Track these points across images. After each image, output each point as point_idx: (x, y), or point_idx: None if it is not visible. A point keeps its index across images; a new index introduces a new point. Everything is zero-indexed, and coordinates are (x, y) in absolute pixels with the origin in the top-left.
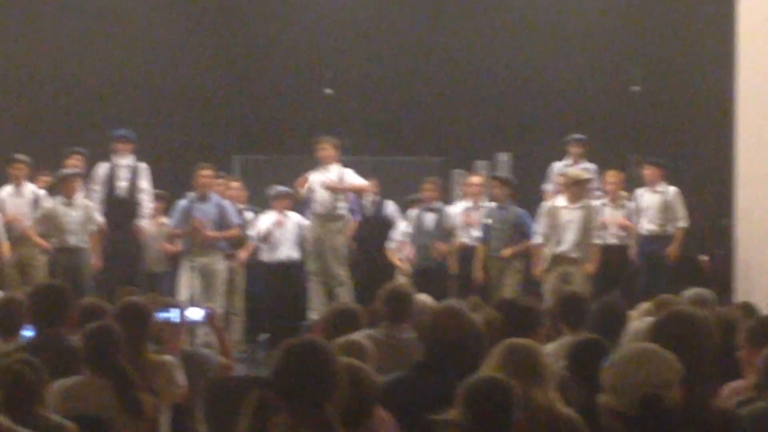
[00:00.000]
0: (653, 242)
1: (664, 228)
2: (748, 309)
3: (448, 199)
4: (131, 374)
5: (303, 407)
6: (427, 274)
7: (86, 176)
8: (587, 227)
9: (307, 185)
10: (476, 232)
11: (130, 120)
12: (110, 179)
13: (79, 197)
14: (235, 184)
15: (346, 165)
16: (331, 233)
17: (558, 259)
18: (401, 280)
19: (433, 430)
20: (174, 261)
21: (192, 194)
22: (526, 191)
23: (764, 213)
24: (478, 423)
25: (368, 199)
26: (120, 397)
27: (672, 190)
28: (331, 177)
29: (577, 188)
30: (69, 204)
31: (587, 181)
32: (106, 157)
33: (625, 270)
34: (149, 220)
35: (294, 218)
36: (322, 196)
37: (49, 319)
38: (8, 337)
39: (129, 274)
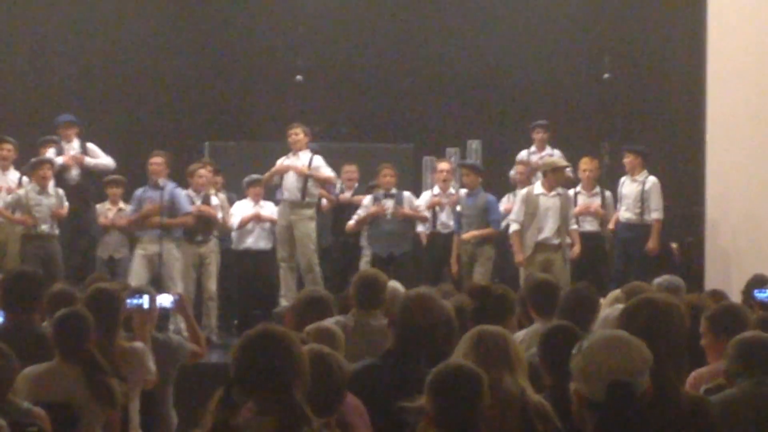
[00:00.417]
0: (630, 230)
1: (641, 217)
2: (718, 296)
3: (417, 186)
4: (101, 361)
5: (267, 396)
6: (390, 261)
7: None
8: (565, 214)
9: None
10: (445, 218)
11: (101, 107)
12: (59, 166)
13: (51, 185)
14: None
15: (316, 152)
16: (301, 220)
17: (540, 247)
18: (364, 265)
19: (403, 417)
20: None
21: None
22: (497, 178)
23: (735, 200)
24: (446, 410)
25: (336, 189)
26: (90, 384)
27: (651, 180)
28: (301, 163)
29: (553, 176)
30: (41, 192)
31: (564, 168)
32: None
33: (601, 257)
34: (110, 205)
35: (268, 208)
36: (292, 182)
37: (20, 306)
38: None
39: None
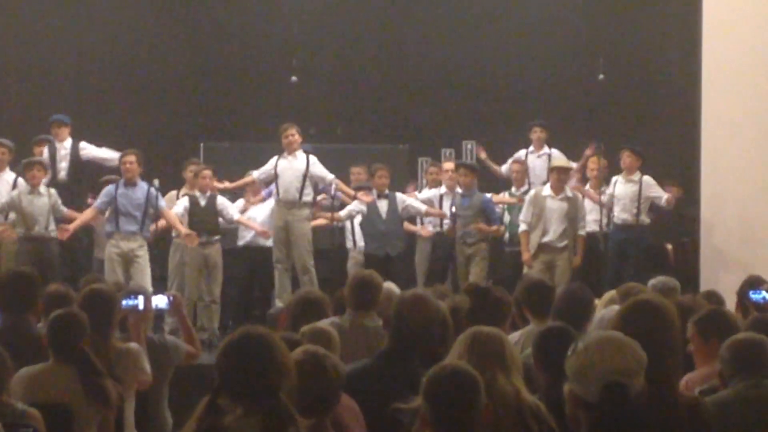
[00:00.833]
0: (625, 231)
1: (636, 218)
2: (713, 298)
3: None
4: (96, 362)
5: (251, 400)
6: (382, 261)
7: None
8: (572, 217)
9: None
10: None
11: (97, 107)
12: (51, 164)
13: (43, 185)
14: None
15: (310, 152)
16: (298, 220)
17: (543, 248)
18: (351, 266)
19: (398, 418)
20: None
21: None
22: (491, 178)
23: (729, 202)
24: (442, 412)
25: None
26: (85, 385)
27: (647, 179)
28: (298, 165)
29: (554, 176)
30: (33, 192)
31: (569, 169)
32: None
33: (597, 258)
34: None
35: (260, 210)
36: (289, 182)
37: (16, 307)
38: None
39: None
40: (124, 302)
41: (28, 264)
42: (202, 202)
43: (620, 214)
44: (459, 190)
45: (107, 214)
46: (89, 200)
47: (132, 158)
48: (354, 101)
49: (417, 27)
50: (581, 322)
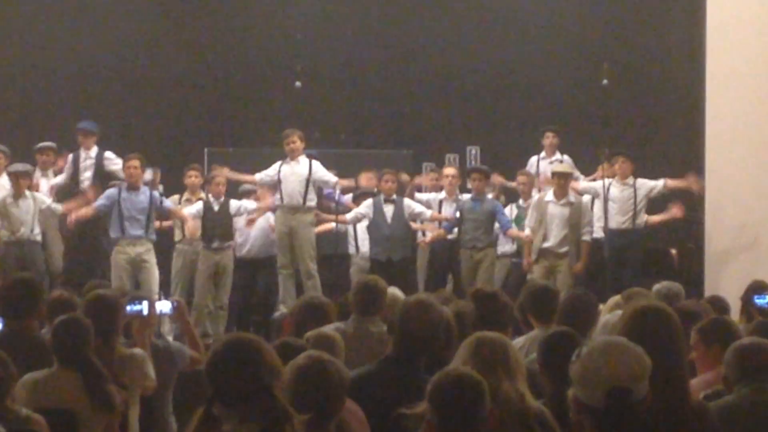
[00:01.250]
0: (622, 237)
1: (633, 222)
2: (717, 303)
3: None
4: (100, 367)
5: (246, 403)
6: (385, 266)
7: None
8: (574, 223)
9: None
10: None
11: (101, 113)
12: (74, 172)
13: (26, 192)
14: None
15: (313, 157)
16: (302, 226)
17: (544, 253)
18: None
19: (402, 423)
20: None
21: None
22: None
23: (734, 206)
24: (447, 418)
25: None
26: (89, 391)
27: (641, 181)
28: (301, 170)
29: (555, 181)
30: (18, 196)
31: (569, 175)
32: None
33: (599, 263)
34: None
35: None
36: (293, 187)
37: (19, 313)
38: None
39: (97, 267)
40: (128, 308)
41: (12, 268)
42: (216, 208)
43: (615, 218)
44: (467, 195)
45: (112, 219)
46: None
47: (136, 162)
48: (358, 106)
49: (421, 32)
50: (586, 328)
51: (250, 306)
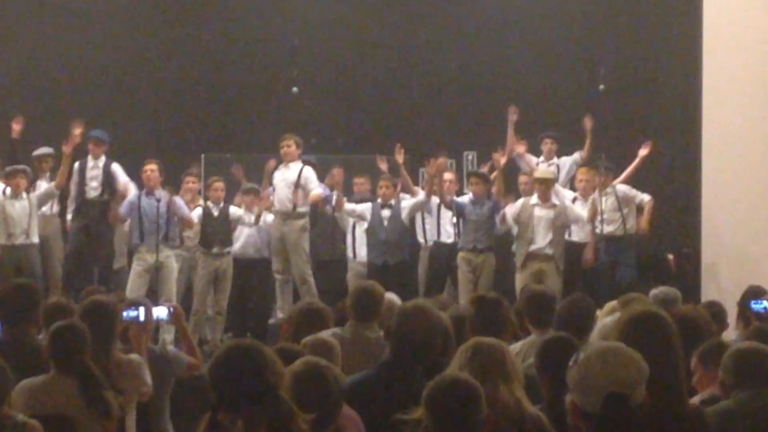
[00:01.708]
0: (616, 243)
1: (623, 227)
2: (714, 308)
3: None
4: (97, 373)
5: (251, 405)
6: (381, 270)
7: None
8: (559, 225)
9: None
10: (449, 228)
11: (98, 119)
12: (81, 180)
13: (24, 193)
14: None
15: (309, 163)
16: (293, 231)
17: (531, 256)
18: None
19: (399, 429)
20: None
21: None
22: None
23: (730, 211)
24: (443, 423)
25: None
26: (86, 397)
27: (619, 187)
28: (290, 176)
29: (542, 187)
30: (14, 197)
31: (552, 180)
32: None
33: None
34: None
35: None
36: (283, 193)
37: (16, 318)
38: None
39: (101, 275)
40: (125, 313)
41: (7, 272)
42: (215, 213)
43: (607, 227)
44: (466, 198)
45: (127, 225)
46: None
47: (153, 166)
48: (355, 112)
49: (418, 38)
50: (583, 333)
51: (245, 311)
